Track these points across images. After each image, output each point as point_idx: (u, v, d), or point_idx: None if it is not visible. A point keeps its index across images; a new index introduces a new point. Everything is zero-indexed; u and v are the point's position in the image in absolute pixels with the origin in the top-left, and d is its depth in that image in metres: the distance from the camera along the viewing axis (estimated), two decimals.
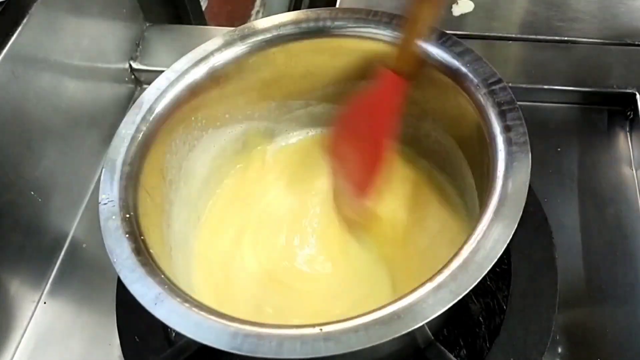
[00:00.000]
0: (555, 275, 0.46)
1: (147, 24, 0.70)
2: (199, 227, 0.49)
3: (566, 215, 0.53)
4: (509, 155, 0.36)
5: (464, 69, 0.41)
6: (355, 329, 0.30)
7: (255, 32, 0.46)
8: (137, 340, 0.46)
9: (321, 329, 0.30)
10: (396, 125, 0.45)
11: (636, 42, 0.64)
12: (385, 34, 0.44)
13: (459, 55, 0.42)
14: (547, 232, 0.48)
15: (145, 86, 0.44)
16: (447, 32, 0.43)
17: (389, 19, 0.44)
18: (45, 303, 0.54)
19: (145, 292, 0.33)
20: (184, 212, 0.46)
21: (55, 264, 0.56)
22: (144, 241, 0.36)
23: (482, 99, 0.39)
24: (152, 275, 0.34)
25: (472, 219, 0.41)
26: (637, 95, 0.59)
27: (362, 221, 0.48)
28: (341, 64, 0.47)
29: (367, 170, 0.46)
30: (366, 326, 0.30)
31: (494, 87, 0.39)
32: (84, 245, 0.57)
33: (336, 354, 0.30)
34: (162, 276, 0.34)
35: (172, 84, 0.43)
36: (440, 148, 0.48)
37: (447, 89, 0.42)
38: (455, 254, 0.33)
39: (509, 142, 0.37)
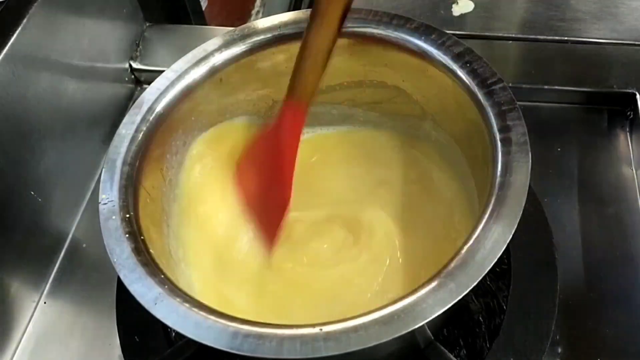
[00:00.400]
0: (555, 275, 0.46)
1: (147, 24, 0.70)
2: (199, 226, 0.49)
3: (566, 216, 0.53)
4: (509, 155, 0.36)
5: (463, 69, 0.41)
6: (355, 329, 0.30)
7: (255, 32, 0.46)
8: (137, 340, 0.46)
9: (321, 329, 0.30)
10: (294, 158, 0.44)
11: (636, 42, 0.64)
12: (385, 34, 0.44)
13: (458, 55, 0.41)
14: (547, 232, 0.48)
15: (145, 86, 0.44)
16: (447, 32, 0.43)
17: (389, 19, 0.44)
18: (45, 303, 0.54)
19: (145, 292, 0.33)
20: (183, 212, 0.46)
21: (55, 264, 0.56)
22: (144, 241, 0.36)
23: (482, 99, 0.39)
24: (152, 275, 0.34)
25: (472, 219, 0.41)
26: (637, 95, 0.59)
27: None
28: (341, 64, 0.47)
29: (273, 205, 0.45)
30: (366, 326, 0.30)
31: (493, 87, 0.39)
32: (84, 245, 0.57)
33: (336, 353, 0.30)
34: (162, 276, 0.34)
35: (172, 84, 0.43)
36: (440, 148, 0.48)
37: (447, 88, 0.42)
38: (455, 254, 0.33)
39: (508, 142, 0.37)
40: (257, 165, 0.46)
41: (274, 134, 0.44)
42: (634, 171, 0.56)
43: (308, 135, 0.54)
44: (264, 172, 0.45)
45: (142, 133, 0.41)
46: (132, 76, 0.67)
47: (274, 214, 0.45)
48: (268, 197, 0.45)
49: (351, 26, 0.45)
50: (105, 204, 0.37)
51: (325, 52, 0.40)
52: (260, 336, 0.31)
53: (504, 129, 0.37)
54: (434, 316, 0.30)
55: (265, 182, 0.45)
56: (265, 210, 0.46)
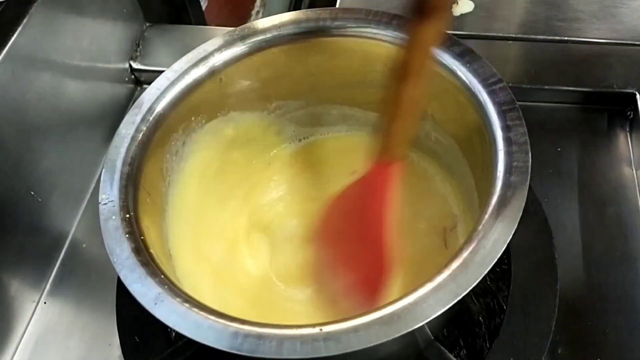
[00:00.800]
0: (556, 275, 0.46)
1: (147, 24, 0.70)
2: (198, 227, 0.49)
3: (566, 216, 0.53)
4: (509, 155, 0.36)
5: (463, 69, 0.41)
6: (356, 329, 0.30)
7: (255, 32, 0.46)
8: (137, 340, 0.46)
9: (321, 329, 0.30)
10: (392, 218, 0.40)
11: (636, 42, 0.64)
12: (385, 34, 0.44)
13: (458, 56, 0.41)
14: (547, 232, 0.48)
15: (145, 86, 0.44)
16: (447, 32, 0.43)
17: (389, 19, 0.44)
18: (45, 303, 0.54)
19: (145, 292, 0.33)
20: (183, 212, 0.46)
21: (55, 264, 0.56)
22: (144, 241, 0.36)
23: (482, 99, 0.39)
24: (152, 275, 0.34)
25: (472, 219, 0.41)
26: (637, 95, 0.59)
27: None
28: (341, 64, 0.47)
29: (371, 272, 0.41)
30: (366, 326, 0.30)
31: (494, 87, 0.39)
32: (84, 245, 0.57)
33: (336, 354, 0.30)
34: (162, 276, 0.34)
35: (172, 84, 0.43)
36: (440, 148, 0.48)
37: (447, 89, 0.42)
38: (455, 254, 0.33)
39: (509, 142, 0.37)
40: (347, 224, 0.43)
41: (367, 192, 0.41)
42: (634, 171, 0.56)
43: (306, 136, 0.54)
44: (357, 231, 0.43)
45: (142, 133, 0.41)
46: (132, 76, 0.67)
47: (373, 275, 0.41)
48: (363, 256, 0.42)
49: (351, 27, 0.45)
50: (105, 204, 0.37)
51: (420, 107, 0.38)
52: (260, 336, 0.31)
53: (504, 129, 0.37)
54: (434, 316, 0.30)
55: (358, 241, 0.43)
56: (360, 270, 0.43)
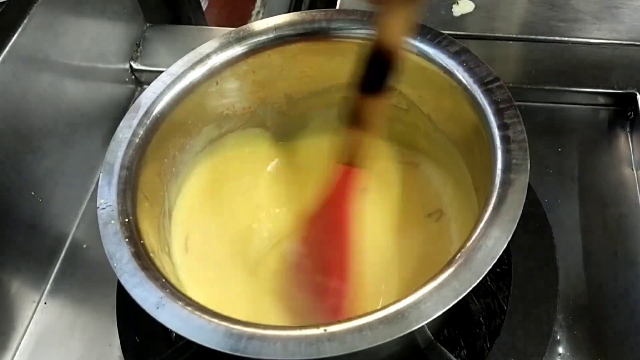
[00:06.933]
0: (556, 275, 0.46)
1: (148, 25, 0.70)
2: (197, 230, 0.49)
3: (566, 216, 0.53)
4: (508, 153, 0.36)
5: (460, 69, 0.41)
6: (360, 329, 0.30)
7: (252, 34, 0.46)
8: (137, 340, 0.46)
9: (325, 329, 0.30)
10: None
11: (636, 42, 0.64)
12: None
13: (455, 55, 0.42)
14: (547, 232, 0.48)
15: (145, 87, 0.44)
16: (446, 32, 0.43)
17: None
18: (45, 303, 0.54)
19: (147, 296, 0.33)
20: (181, 215, 0.46)
21: (56, 264, 0.56)
22: (143, 245, 0.36)
23: (479, 98, 0.39)
24: (153, 279, 0.34)
25: (471, 219, 0.41)
26: (638, 96, 0.59)
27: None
28: (337, 66, 0.47)
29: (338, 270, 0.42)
30: (370, 326, 0.30)
31: (490, 86, 0.40)
32: (85, 246, 0.57)
33: (341, 354, 0.30)
34: (163, 280, 0.34)
35: (168, 87, 0.43)
36: (437, 147, 0.48)
37: (443, 88, 0.42)
38: (457, 253, 0.33)
39: (507, 140, 0.37)
40: (320, 231, 0.44)
41: (334, 197, 0.42)
42: (635, 171, 0.56)
43: (304, 138, 0.53)
44: (327, 239, 0.43)
45: (139, 137, 0.41)
46: (133, 77, 0.67)
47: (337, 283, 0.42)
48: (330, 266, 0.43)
49: (347, 28, 0.45)
50: (103, 208, 0.37)
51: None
52: (264, 338, 0.31)
53: (502, 127, 0.37)
54: (438, 314, 0.30)
55: (328, 250, 0.43)
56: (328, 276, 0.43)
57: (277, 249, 0.48)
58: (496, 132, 0.37)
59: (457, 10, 0.70)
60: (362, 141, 0.40)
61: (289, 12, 0.47)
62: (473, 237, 0.33)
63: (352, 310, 0.40)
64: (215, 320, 0.32)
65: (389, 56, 0.35)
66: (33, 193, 0.52)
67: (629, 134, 0.59)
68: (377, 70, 0.35)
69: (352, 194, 0.41)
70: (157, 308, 0.32)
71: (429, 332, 0.38)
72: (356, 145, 0.40)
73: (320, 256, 0.44)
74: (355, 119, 0.38)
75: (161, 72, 0.44)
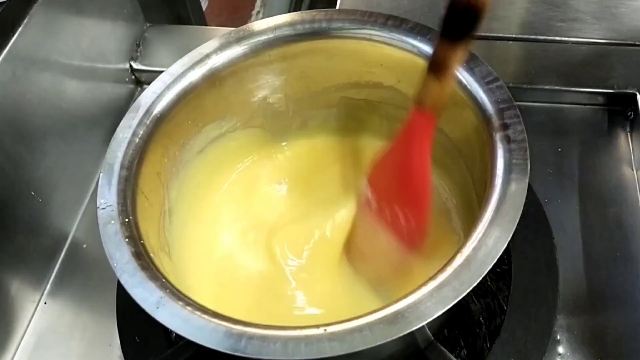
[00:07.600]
0: (556, 275, 0.46)
1: (148, 25, 0.70)
2: (198, 229, 0.49)
3: (567, 216, 0.53)
4: (508, 152, 0.36)
5: (460, 68, 0.41)
6: (360, 329, 0.30)
7: (251, 34, 0.46)
8: (138, 340, 0.46)
9: (325, 329, 0.30)
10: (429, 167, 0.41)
11: (636, 42, 0.64)
12: (380, 35, 0.44)
13: None
14: (547, 232, 0.48)
15: (146, 87, 0.44)
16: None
17: (385, 20, 0.44)
18: (45, 303, 0.54)
19: (147, 296, 0.33)
20: (182, 215, 0.46)
21: (56, 264, 0.56)
22: (143, 245, 0.36)
23: (479, 98, 0.39)
24: (153, 279, 0.34)
25: (470, 218, 0.41)
26: (638, 96, 0.59)
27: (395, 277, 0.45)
28: (337, 66, 0.47)
29: (412, 221, 0.42)
30: (370, 325, 0.30)
31: (490, 86, 0.40)
32: (85, 246, 0.57)
33: (341, 354, 0.30)
34: (163, 280, 0.34)
35: (168, 87, 0.43)
36: (436, 147, 0.48)
37: None
38: (457, 252, 0.33)
39: (507, 140, 0.37)
40: (390, 176, 0.43)
41: (405, 143, 0.42)
42: (635, 171, 0.56)
43: (304, 138, 0.53)
44: (397, 181, 0.43)
45: (139, 137, 0.41)
46: (133, 77, 0.67)
47: (413, 219, 0.42)
48: (404, 204, 0.43)
49: (347, 28, 0.45)
50: (103, 208, 0.37)
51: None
52: (265, 338, 0.31)
53: (502, 127, 0.37)
54: (438, 314, 0.30)
55: (400, 191, 0.43)
56: (402, 217, 0.43)
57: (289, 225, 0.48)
58: (496, 132, 0.37)
59: None
60: (441, 86, 0.38)
61: (289, 12, 0.46)
62: (474, 237, 0.33)
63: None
64: (215, 320, 0.32)
65: (476, 2, 0.35)
66: (33, 193, 0.52)
67: (629, 134, 0.59)
68: (464, 15, 0.35)
69: (426, 136, 0.40)
70: (157, 308, 0.32)
71: (428, 332, 0.38)
72: (434, 90, 0.38)
73: (394, 194, 0.43)
74: (435, 65, 0.37)
75: (161, 72, 0.44)
